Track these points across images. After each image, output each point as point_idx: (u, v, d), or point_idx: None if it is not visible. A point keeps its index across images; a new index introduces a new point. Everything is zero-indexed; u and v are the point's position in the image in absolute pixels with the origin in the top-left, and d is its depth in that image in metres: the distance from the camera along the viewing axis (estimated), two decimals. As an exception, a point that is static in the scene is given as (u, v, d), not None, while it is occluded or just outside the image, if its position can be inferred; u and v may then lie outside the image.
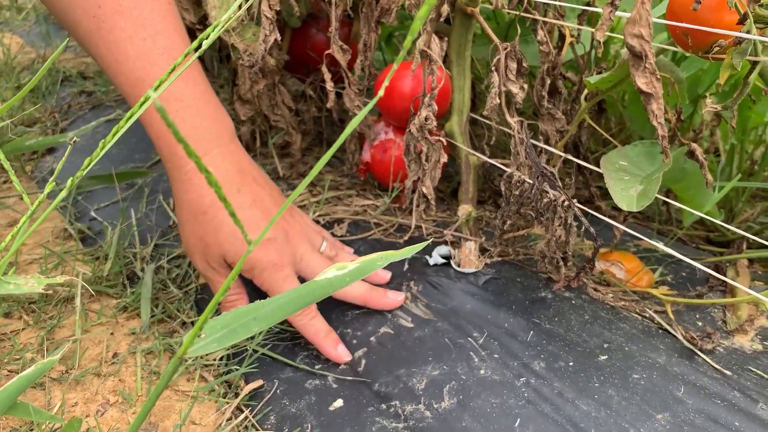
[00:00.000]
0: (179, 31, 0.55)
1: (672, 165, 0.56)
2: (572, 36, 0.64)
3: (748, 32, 0.38)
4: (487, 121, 0.67)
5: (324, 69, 0.68)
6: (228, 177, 0.55)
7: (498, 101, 0.60)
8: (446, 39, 0.66)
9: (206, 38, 0.28)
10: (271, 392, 0.52)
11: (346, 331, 0.58)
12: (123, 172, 0.83)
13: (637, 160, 0.58)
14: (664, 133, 0.46)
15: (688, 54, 0.64)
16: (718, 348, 0.55)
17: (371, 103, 0.23)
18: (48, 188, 0.31)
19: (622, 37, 0.49)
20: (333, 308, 0.60)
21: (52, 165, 0.92)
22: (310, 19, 0.83)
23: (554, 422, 0.46)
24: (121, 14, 0.51)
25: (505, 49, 0.59)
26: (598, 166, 0.56)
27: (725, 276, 0.63)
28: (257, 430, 0.50)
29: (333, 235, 0.70)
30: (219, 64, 1.12)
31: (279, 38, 0.62)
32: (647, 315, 0.59)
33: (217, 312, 0.58)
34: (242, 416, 0.51)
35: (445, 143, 0.65)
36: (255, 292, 0.60)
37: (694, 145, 0.55)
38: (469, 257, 0.65)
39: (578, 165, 0.70)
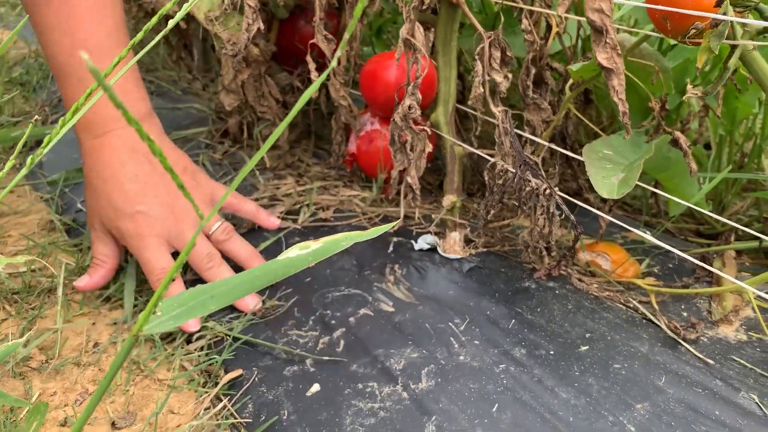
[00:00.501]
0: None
1: (656, 154, 0.55)
2: (557, 26, 0.63)
3: (724, 14, 0.38)
4: (473, 112, 0.66)
5: (308, 59, 0.68)
6: (118, 154, 0.61)
7: (482, 90, 0.59)
8: (432, 29, 0.66)
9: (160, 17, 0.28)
10: (250, 381, 0.52)
11: (325, 312, 0.58)
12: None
13: (621, 149, 0.57)
14: (625, 109, 0.46)
15: (675, 42, 0.64)
16: (702, 338, 0.54)
17: (323, 75, 0.22)
18: (30, 162, 0.30)
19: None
20: (313, 291, 0.60)
21: (42, 158, 0.92)
22: (298, 10, 0.82)
23: (532, 409, 0.46)
24: None
25: (489, 37, 0.59)
26: (586, 157, 0.56)
27: (712, 267, 0.63)
28: (235, 418, 0.49)
29: (319, 219, 0.71)
30: (203, 55, 1.12)
31: (262, 27, 0.62)
32: (631, 305, 0.58)
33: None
34: (221, 405, 0.50)
35: (429, 133, 0.64)
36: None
37: (678, 134, 0.54)
38: (454, 247, 0.64)
39: (566, 156, 0.70)
